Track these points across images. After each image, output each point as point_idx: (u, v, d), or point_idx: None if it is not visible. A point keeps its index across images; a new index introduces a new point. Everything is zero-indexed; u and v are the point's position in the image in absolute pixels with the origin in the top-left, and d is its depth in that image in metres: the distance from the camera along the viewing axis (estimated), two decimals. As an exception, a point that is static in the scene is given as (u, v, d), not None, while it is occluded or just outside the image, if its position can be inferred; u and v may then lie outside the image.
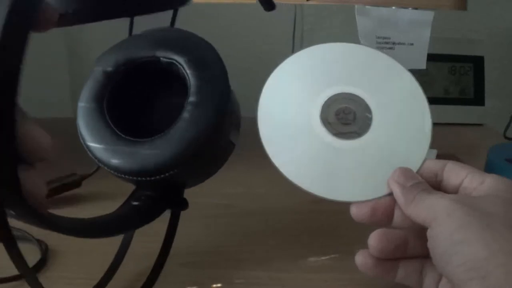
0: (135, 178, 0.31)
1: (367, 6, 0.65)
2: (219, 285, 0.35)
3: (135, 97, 0.35)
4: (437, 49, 0.85)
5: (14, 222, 0.41)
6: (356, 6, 0.65)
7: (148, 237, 0.35)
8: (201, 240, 0.42)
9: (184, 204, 0.34)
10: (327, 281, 0.36)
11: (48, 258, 0.37)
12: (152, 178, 0.31)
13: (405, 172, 0.34)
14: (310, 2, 0.67)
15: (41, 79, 0.77)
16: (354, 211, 0.34)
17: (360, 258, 0.33)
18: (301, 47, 0.40)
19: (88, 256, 0.34)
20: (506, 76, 1.04)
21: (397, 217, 0.33)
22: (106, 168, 0.32)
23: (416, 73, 0.37)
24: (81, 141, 0.32)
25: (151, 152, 0.31)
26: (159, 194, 0.32)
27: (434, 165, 0.34)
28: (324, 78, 0.38)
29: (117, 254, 0.36)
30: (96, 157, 0.32)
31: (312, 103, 0.37)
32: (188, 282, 0.35)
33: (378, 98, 0.37)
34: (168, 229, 0.36)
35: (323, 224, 0.45)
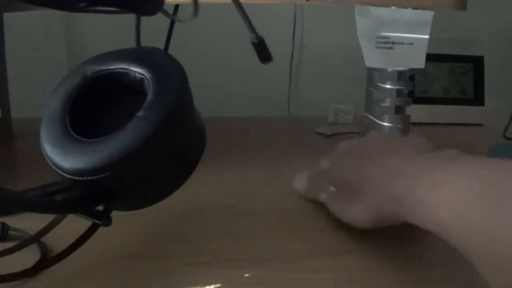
0: (61, 173, 0.32)
1: (367, 6, 0.65)
2: (218, 285, 0.35)
3: (100, 104, 0.36)
4: (437, 49, 0.85)
5: (15, 223, 0.41)
6: (356, 6, 0.65)
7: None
8: (201, 239, 0.42)
9: (104, 219, 0.33)
10: (327, 281, 0.36)
11: (48, 258, 0.37)
12: (75, 178, 0.31)
13: None
14: (310, 2, 0.67)
15: (41, 80, 0.78)
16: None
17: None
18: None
19: (87, 256, 0.34)
20: (506, 76, 1.04)
21: None
22: (46, 158, 0.32)
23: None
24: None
25: (79, 154, 0.31)
26: (80, 199, 0.32)
27: None
28: None
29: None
30: (42, 146, 0.33)
31: None
32: (188, 282, 0.35)
33: None
34: (79, 238, 0.34)
35: (322, 224, 0.45)
